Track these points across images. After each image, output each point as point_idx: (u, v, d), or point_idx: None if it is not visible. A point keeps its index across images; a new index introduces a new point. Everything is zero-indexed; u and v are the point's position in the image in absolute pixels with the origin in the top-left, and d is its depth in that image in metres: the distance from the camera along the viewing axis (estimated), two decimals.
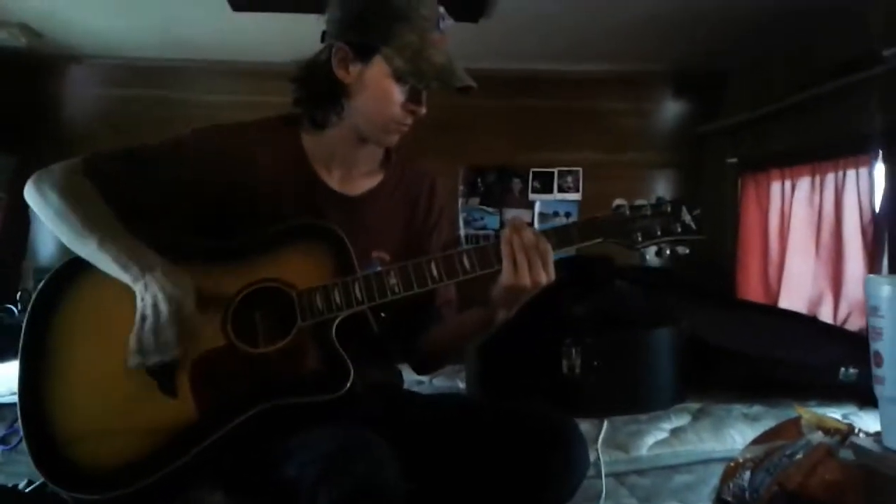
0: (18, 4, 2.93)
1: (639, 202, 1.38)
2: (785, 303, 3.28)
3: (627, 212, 1.37)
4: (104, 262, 1.29)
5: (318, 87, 1.43)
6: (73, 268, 1.35)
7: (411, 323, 1.54)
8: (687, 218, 1.36)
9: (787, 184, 3.39)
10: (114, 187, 1.35)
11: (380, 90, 1.38)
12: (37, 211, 1.35)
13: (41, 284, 1.35)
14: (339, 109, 1.42)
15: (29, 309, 1.33)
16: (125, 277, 1.27)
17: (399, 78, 1.36)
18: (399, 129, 1.42)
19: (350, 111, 1.41)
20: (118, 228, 1.31)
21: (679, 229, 1.36)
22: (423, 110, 1.40)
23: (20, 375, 1.30)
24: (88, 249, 1.30)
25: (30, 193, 1.35)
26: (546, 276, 1.30)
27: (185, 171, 1.37)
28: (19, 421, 1.29)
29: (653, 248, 1.38)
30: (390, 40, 1.35)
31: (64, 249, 1.37)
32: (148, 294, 1.24)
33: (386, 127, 1.41)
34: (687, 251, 1.39)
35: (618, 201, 1.40)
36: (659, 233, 1.36)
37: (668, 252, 1.38)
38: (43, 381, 1.29)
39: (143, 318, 1.25)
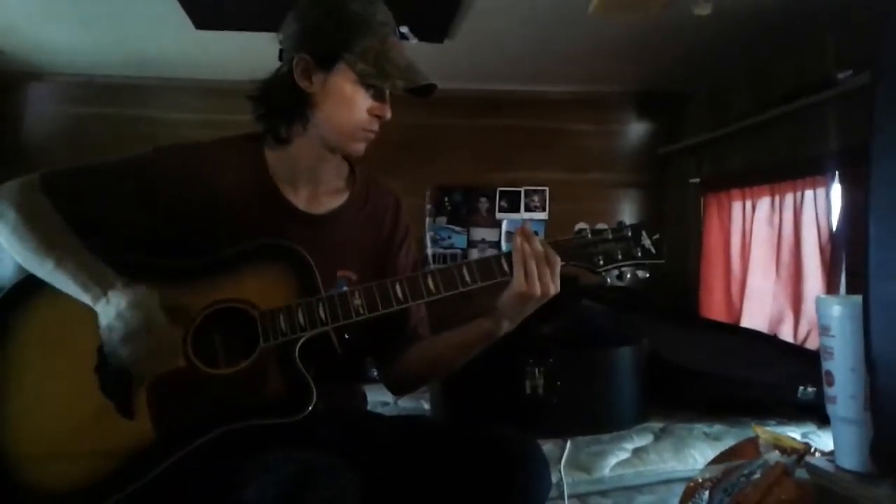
0: None
1: (600, 226, 1.41)
2: (747, 321, 3.33)
3: (589, 236, 1.40)
4: (62, 281, 1.27)
5: (281, 101, 1.42)
6: (25, 288, 1.32)
7: (387, 344, 1.54)
8: (647, 242, 1.40)
9: (748, 203, 3.45)
10: (71, 204, 1.32)
11: (345, 96, 1.38)
12: None
13: None
14: (305, 121, 1.41)
15: None
16: (85, 297, 1.25)
17: (364, 82, 1.37)
18: (366, 135, 1.41)
19: (315, 122, 1.41)
20: (77, 247, 1.29)
21: (639, 253, 1.40)
22: (389, 114, 1.40)
23: None
24: (46, 269, 1.28)
25: None
26: (553, 287, 1.32)
27: (146, 190, 1.36)
28: None
29: (614, 272, 1.41)
30: (352, 46, 1.36)
31: (23, 271, 1.34)
32: (110, 307, 1.22)
33: (353, 134, 1.40)
34: (647, 275, 1.42)
35: (579, 225, 1.42)
36: (620, 257, 1.39)
37: (628, 276, 1.41)
38: None
39: (110, 328, 1.22)
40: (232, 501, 1.21)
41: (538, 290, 1.32)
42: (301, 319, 1.29)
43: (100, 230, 1.34)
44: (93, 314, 1.25)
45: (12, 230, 1.30)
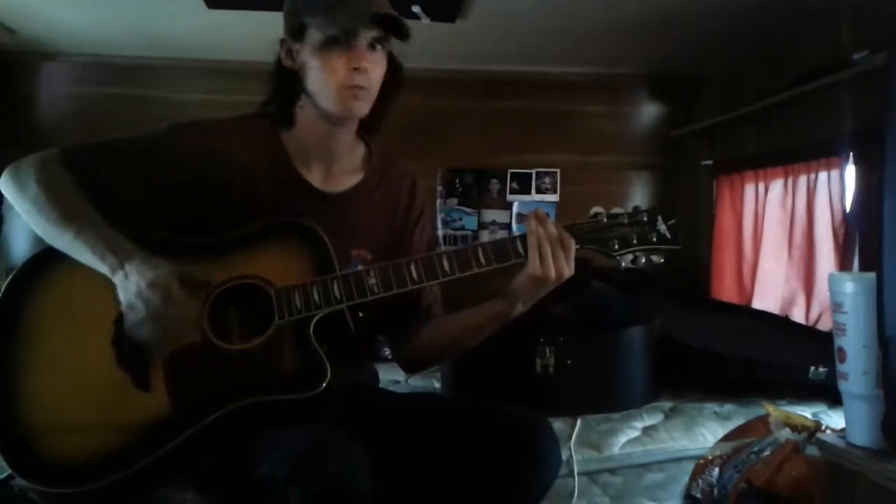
0: None
1: (615, 211, 1.41)
2: (758, 303, 3.32)
3: (604, 220, 1.39)
4: (81, 252, 1.28)
5: (277, 86, 1.45)
6: (43, 260, 1.34)
7: (401, 323, 1.55)
8: (662, 228, 1.39)
9: (761, 186, 3.43)
10: (90, 179, 1.34)
11: (317, 59, 1.38)
12: (13, 202, 1.34)
13: (10, 277, 1.34)
14: (297, 99, 1.43)
15: None
16: (102, 268, 1.27)
17: (328, 39, 1.36)
18: (353, 92, 1.37)
19: (308, 96, 1.42)
20: (95, 219, 1.30)
21: (654, 239, 1.39)
22: (363, 62, 1.36)
23: None
24: (65, 240, 1.29)
25: (6, 184, 1.35)
26: (568, 270, 1.33)
27: (163, 166, 1.37)
28: None
29: (629, 256, 1.41)
30: (311, 9, 1.37)
31: (37, 247, 1.36)
32: (130, 283, 1.24)
33: (339, 94, 1.38)
34: (662, 260, 1.42)
35: (595, 209, 1.41)
36: (635, 241, 1.39)
37: (643, 260, 1.41)
38: (12, 374, 1.28)
39: (131, 306, 1.24)
40: (245, 476, 1.23)
41: (553, 273, 1.32)
42: (316, 297, 1.30)
43: (117, 205, 1.35)
44: (110, 286, 1.26)
45: (33, 202, 1.31)
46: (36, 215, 1.31)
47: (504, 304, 1.40)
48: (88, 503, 1.26)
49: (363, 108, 1.41)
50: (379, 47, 1.40)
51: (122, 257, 1.26)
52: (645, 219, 1.39)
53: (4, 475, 1.30)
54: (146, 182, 1.36)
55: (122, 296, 1.25)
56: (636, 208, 1.41)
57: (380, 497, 1.17)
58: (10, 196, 1.34)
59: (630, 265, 1.41)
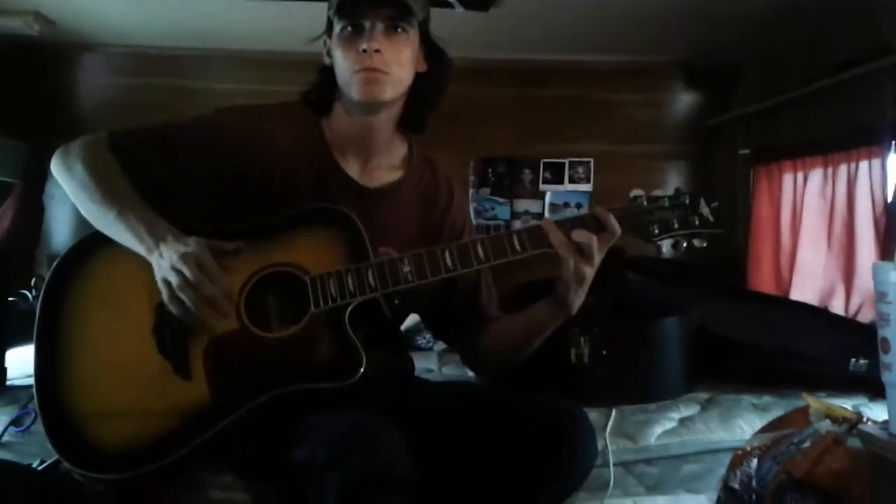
0: None
1: (656, 193, 1.37)
2: (796, 294, 3.27)
3: (645, 203, 1.36)
4: (121, 233, 1.31)
5: (317, 81, 1.49)
6: (86, 248, 1.37)
7: (462, 327, 1.55)
8: (705, 210, 1.36)
9: (800, 175, 3.37)
10: (136, 163, 1.36)
11: (339, 49, 1.40)
12: (61, 181, 1.38)
13: (55, 263, 1.37)
14: (335, 93, 1.45)
15: (44, 287, 1.35)
16: (140, 249, 1.29)
17: (342, 28, 1.38)
18: (367, 76, 1.37)
19: (340, 89, 1.44)
20: (136, 201, 1.33)
21: (697, 222, 1.36)
22: (368, 44, 1.35)
23: (35, 353, 1.32)
24: (108, 219, 1.32)
25: (56, 165, 1.38)
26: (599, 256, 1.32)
27: (206, 149, 1.39)
28: (34, 401, 1.31)
29: (669, 241, 1.37)
30: (330, 3, 1.40)
31: (78, 235, 1.40)
32: (164, 261, 1.26)
33: (352, 79, 1.38)
34: (704, 244, 1.37)
35: (635, 192, 1.37)
36: (676, 225, 1.35)
37: (684, 245, 1.37)
38: (57, 361, 1.31)
39: (165, 282, 1.26)
40: (284, 460, 1.25)
41: (587, 272, 1.32)
42: (350, 285, 1.31)
43: (161, 189, 1.37)
44: (150, 273, 1.28)
45: (79, 182, 1.35)
46: (81, 195, 1.35)
47: (558, 298, 1.38)
48: (132, 486, 1.28)
49: (381, 92, 1.39)
50: (400, 30, 1.39)
51: (157, 238, 1.28)
52: (687, 201, 1.36)
53: (52, 459, 1.33)
54: (188, 165, 1.38)
55: (157, 274, 1.27)
56: (678, 190, 1.37)
57: (416, 483, 1.17)
58: (59, 176, 1.38)
59: (671, 250, 1.37)
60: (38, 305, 1.35)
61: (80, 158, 1.36)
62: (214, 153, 1.39)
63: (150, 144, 1.39)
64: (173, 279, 1.24)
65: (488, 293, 1.56)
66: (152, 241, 1.28)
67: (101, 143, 1.38)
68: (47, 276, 1.37)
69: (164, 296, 1.27)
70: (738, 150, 3.78)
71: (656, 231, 1.35)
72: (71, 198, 1.37)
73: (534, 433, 1.33)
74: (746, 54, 3.76)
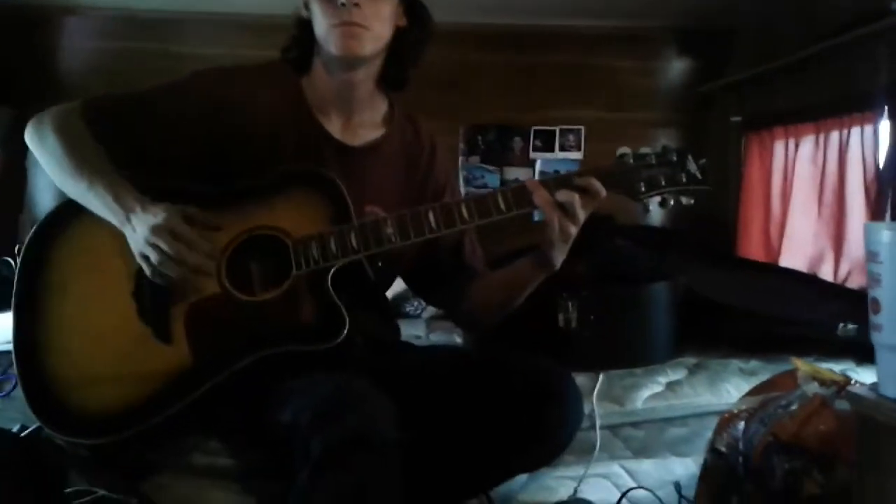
0: None
1: (643, 150, 1.35)
2: (786, 261, 3.27)
3: (631, 160, 1.34)
4: (93, 203, 1.29)
5: (295, 34, 1.45)
6: (65, 213, 1.35)
7: (448, 285, 1.54)
8: (692, 167, 1.34)
9: (791, 143, 3.35)
10: (111, 130, 1.34)
11: (315, 4, 1.36)
12: (34, 151, 1.36)
13: (33, 229, 1.35)
14: (313, 47, 1.42)
15: (22, 252, 1.33)
16: (113, 220, 1.27)
17: None
18: (345, 30, 1.33)
19: (318, 44, 1.40)
20: (107, 170, 1.31)
21: (684, 179, 1.34)
22: None
23: (14, 320, 1.30)
24: (79, 190, 1.30)
25: (29, 135, 1.36)
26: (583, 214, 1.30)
27: (184, 112, 1.36)
28: (13, 367, 1.30)
29: (656, 199, 1.35)
30: None
31: (59, 201, 1.37)
32: (137, 235, 1.24)
33: (329, 32, 1.35)
34: (692, 202, 1.35)
35: (622, 150, 1.35)
36: (664, 182, 1.33)
37: (671, 202, 1.35)
38: (37, 327, 1.29)
39: (143, 257, 1.24)
40: (267, 424, 1.24)
41: (571, 230, 1.30)
42: (333, 247, 1.29)
43: (139, 157, 1.35)
44: (125, 238, 1.27)
45: (52, 153, 1.33)
46: (54, 165, 1.33)
47: (542, 255, 1.36)
48: (115, 451, 1.28)
49: (360, 47, 1.35)
50: None
51: (126, 209, 1.26)
52: (675, 158, 1.34)
53: (33, 426, 1.32)
54: (166, 129, 1.36)
55: (133, 248, 1.26)
56: (665, 147, 1.35)
57: (402, 447, 1.16)
58: (32, 146, 1.36)
59: (658, 208, 1.35)
60: (17, 270, 1.33)
61: (52, 128, 1.33)
62: (191, 115, 1.36)
63: (126, 109, 1.37)
64: (152, 255, 1.23)
65: (472, 248, 1.55)
66: (123, 214, 1.26)
67: (74, 113, 1.35)
68: (26, 240, 1.35)
69: (147, 271, 1.25)
70: (731, 117, 3.76)
71: (643, 189, 1.33)
72: (45, 168, 1.35)
73: (520, 396, 1.33)
74: (739, 20, 3.72)
